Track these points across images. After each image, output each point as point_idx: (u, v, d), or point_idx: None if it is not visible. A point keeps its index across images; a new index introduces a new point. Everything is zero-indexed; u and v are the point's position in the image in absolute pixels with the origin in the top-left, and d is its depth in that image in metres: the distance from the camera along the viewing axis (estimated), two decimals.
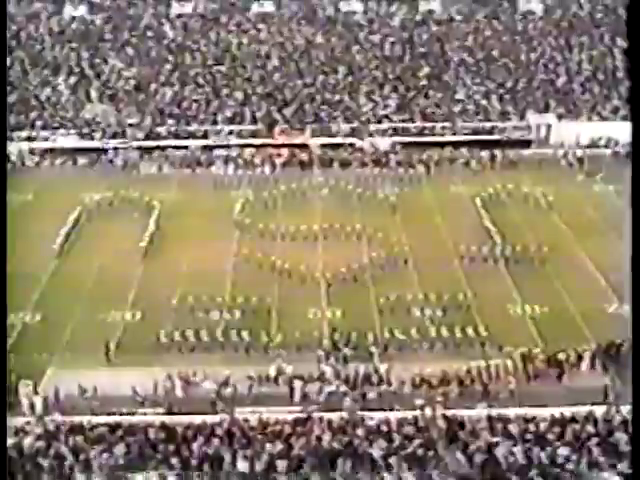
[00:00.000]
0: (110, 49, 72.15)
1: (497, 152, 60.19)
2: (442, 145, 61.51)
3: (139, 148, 61.44)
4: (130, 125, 63.67)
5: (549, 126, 63.30)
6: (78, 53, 71.37)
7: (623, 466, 24.28)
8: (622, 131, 55.96)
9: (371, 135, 63.09)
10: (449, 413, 29.10)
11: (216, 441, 26.69)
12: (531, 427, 27.39)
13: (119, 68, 69.72)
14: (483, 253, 45.05)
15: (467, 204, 52.09)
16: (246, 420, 28.70)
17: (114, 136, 62.65)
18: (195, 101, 66.24)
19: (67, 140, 62.34)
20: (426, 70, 69.45)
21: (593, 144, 61.91)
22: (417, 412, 29.27)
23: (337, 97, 66.73)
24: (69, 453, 26.07)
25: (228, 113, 64.87)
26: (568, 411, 28.59)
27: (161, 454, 26.08)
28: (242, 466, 25.48)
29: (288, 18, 76.09)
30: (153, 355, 35.91)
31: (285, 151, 61.18)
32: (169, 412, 31.01)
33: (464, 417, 28.63)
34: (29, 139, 62.14)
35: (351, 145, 62.34)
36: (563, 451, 25.47)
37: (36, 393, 32.58)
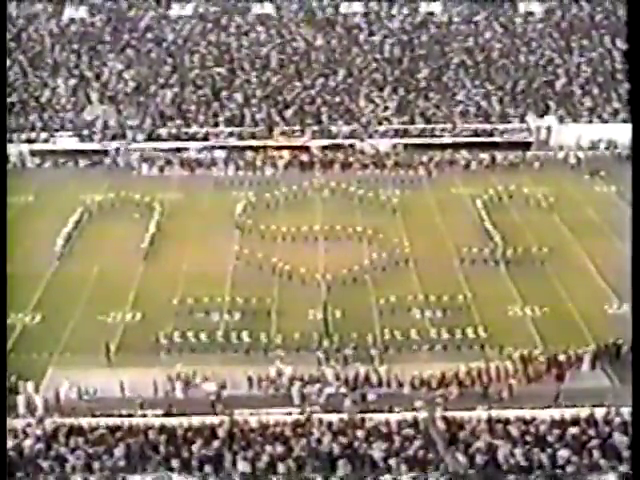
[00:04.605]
0: (110, 51, 72.12)
1: (497, 154, 60.26)
2: (442, 147, 61.56)
3: (139, 149, 61.44)
4: (130, 127, 63.69)
5: (549, 128, 63.24)
6: (78, 55, 71.37)
7: (623, 468, 24.27)
8: (622, 133, 56.16)
9: (371, 137, 63.10)
10: (449, 414, 29.07)
11: (216, 442, 26.65)
12: (531, 429, 27.37)
13: (119, 70, 69.70)
14: (484, 254, 45.03)
15: (468, 206, 52.11)
16: (246, 421, 28.71)
17: (114, 138, 62.63)
18: (195, 103, 66.23)
19: (67, 142, 62.29)
20: (426, 72, 69.44)
21: (593, 146, 61.99)
22: (417, 413, 29.26)
23: (337, 99, 66.67)
24: (69, 455, 26.06)
25: (228, 115, 64.88)
26: (568, 413, 28.60)
27: (161, 456, 26.06)
28: (242, 467, 25.46)
29: (288, 20, 76.11)
30: (153, 356, 35.93)
31: (286, 153, 61.19)
32: (169, 413, 30.99)
33: (464, 418, 28.62)
34: (29, 141, 62.05)
35: (351, 147, 62.34)
36: (563, 453, 25.45)
37: (36, 393, 32.56)
